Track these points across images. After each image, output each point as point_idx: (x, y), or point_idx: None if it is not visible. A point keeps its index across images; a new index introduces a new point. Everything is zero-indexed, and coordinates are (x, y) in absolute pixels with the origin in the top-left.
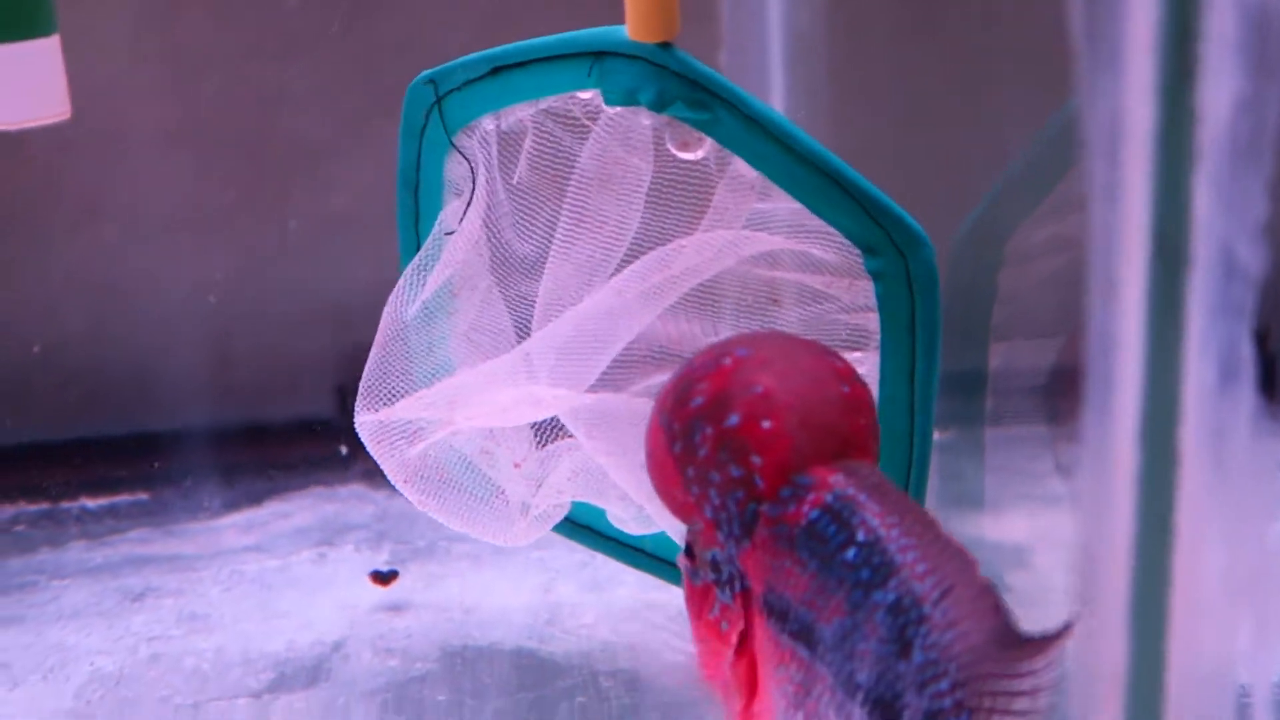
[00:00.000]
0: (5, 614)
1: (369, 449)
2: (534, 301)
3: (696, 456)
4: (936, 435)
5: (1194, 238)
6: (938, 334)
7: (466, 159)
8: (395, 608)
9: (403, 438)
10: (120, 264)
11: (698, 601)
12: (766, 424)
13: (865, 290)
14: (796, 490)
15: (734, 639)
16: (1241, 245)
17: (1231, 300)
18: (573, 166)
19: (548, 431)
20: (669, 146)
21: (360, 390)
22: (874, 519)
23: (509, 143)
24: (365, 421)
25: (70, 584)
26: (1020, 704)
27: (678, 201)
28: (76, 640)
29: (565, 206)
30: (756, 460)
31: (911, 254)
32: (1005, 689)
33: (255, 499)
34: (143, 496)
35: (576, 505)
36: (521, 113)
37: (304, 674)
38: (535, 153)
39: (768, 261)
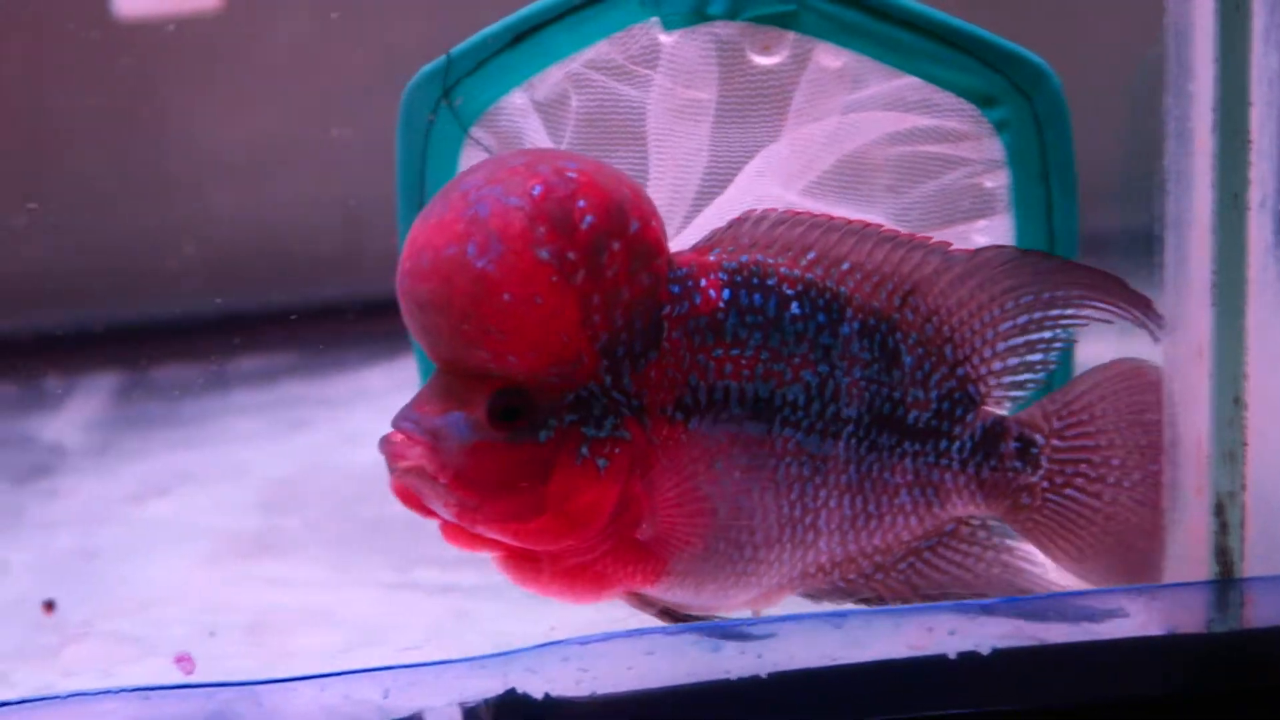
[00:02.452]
0: (188, 441)
1: None
2: None
3: (605, 278)
4: None
5: None
6: (1073, 173)
7: (486, 149)
8: None
9: None
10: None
11: (536, 460)
12: (654, 223)
13: (990, 148)
14: (683, 282)
15: (633, 464)
16: None
17: None
18: (630, 115)
19: None
20: (749, 54)
21: None
22: (791, 270)
23: (547, 112)
24: None
25: (240, 419)
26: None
27: (756, 115)
28: (250, 456)
29: (627, 157)
30: (658, 261)
31: (1036, 92)
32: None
33: (392, 356)
34: (293, 357)
35: None
36: (554, 77)
37: None
38: (585, 112)
39: (883, 142)
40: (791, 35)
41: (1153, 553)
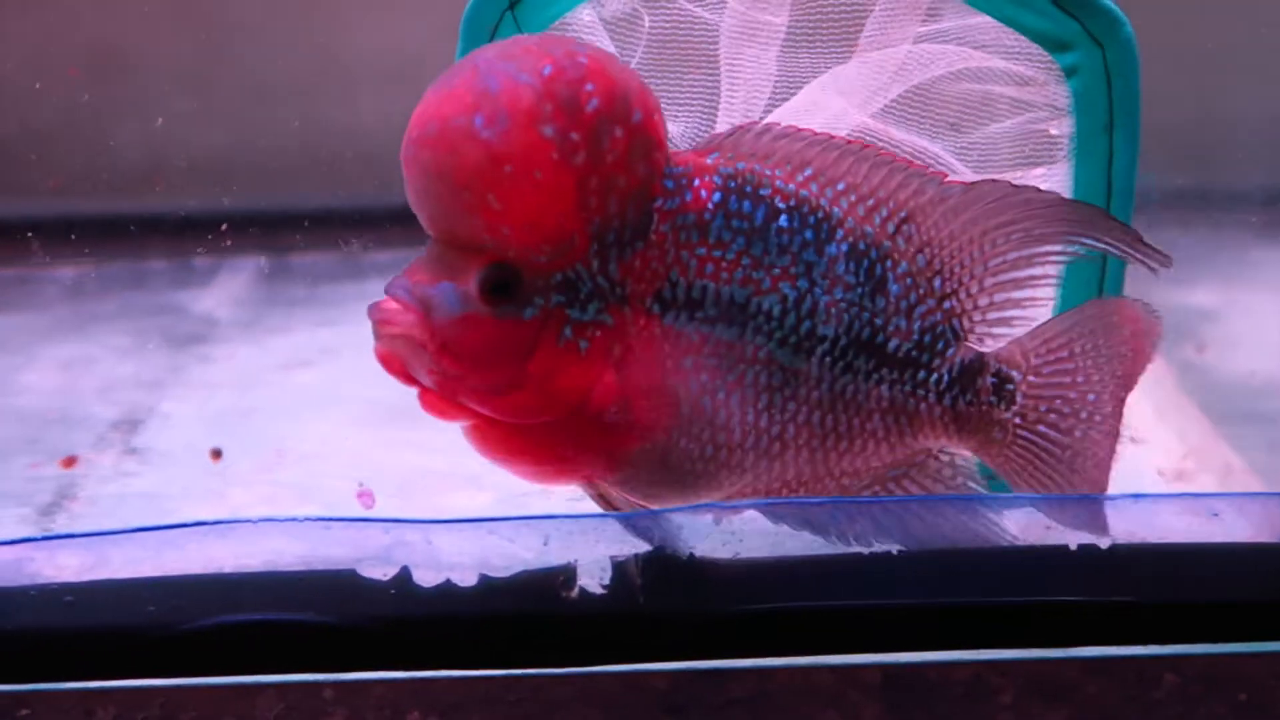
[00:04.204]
0: (328, 320)
1: None
2: None
3: (604, 163)
4: None
5: None
6: (1138, 126)
7: None
8: None
9: None
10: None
11: (521, 336)
12: (657, 117)
13: (1056, 95)
14: (678, 180)
15: (612, 349)
16: None
17: None
18: (703, 37)
19: None
20: None
21: None
22: (785, 184)
23: (616, 30)
24: None
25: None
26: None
27: (827, 39)
28: None
29: (699, 80)
30: (657, 155)
31: (1109, 40)
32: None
33: None
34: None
35: None
36: None
37: None
38: (657, 31)
39: (950, 78)
40: None
41: (1102, 480)
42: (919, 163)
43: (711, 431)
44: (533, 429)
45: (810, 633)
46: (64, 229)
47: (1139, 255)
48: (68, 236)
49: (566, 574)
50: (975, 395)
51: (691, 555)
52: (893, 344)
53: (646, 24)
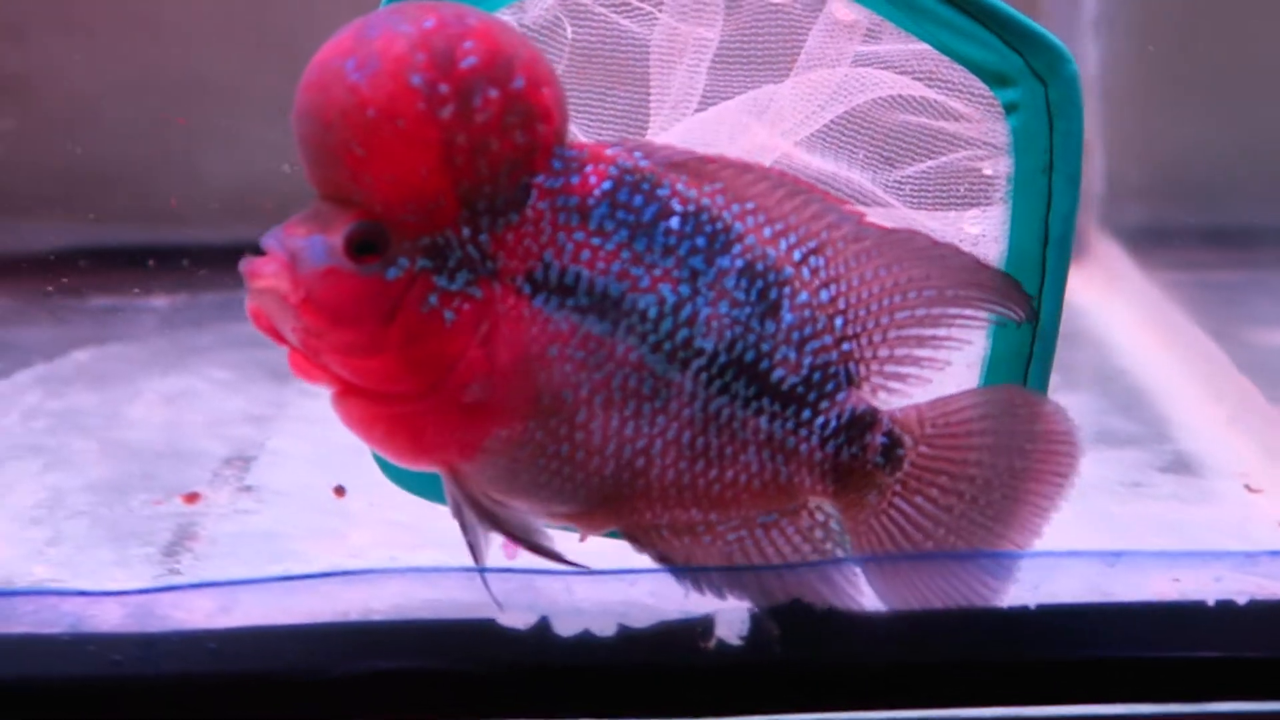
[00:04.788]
0: None
1: None
2: None
3: (473, 122)
4: None
5: None
6: (1079, 169)
7: None
8: None
9: None
10: None
11: (382, 296)
12: (546, 90)
13: (995, 132)
14: (568, 163)
15: (478, 325)
16: None
17: None
18: (631, 52)
19: None
20: None
21: None
22: (688, 190)
23: (537, 37)
24: None
25: None
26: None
27: (761, 57)
28: None
29: (625, 96)
30: (540, 128)
31: (1053, 77)
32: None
33: None
34: None
35: None
36: (546, 2)
37: None
38: (582, 44)
39: (885, 105)
40: None
41: (966, 588)
42: (841, 198)
43: (570, 429)
44: (392, 400)
45: (944, 685)
46: (157, 258)
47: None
48: (163, 265)
49: (704, 625)
50: (862, 450)
51: (829, 608)
52: (778, 374)
53: (569, 34)
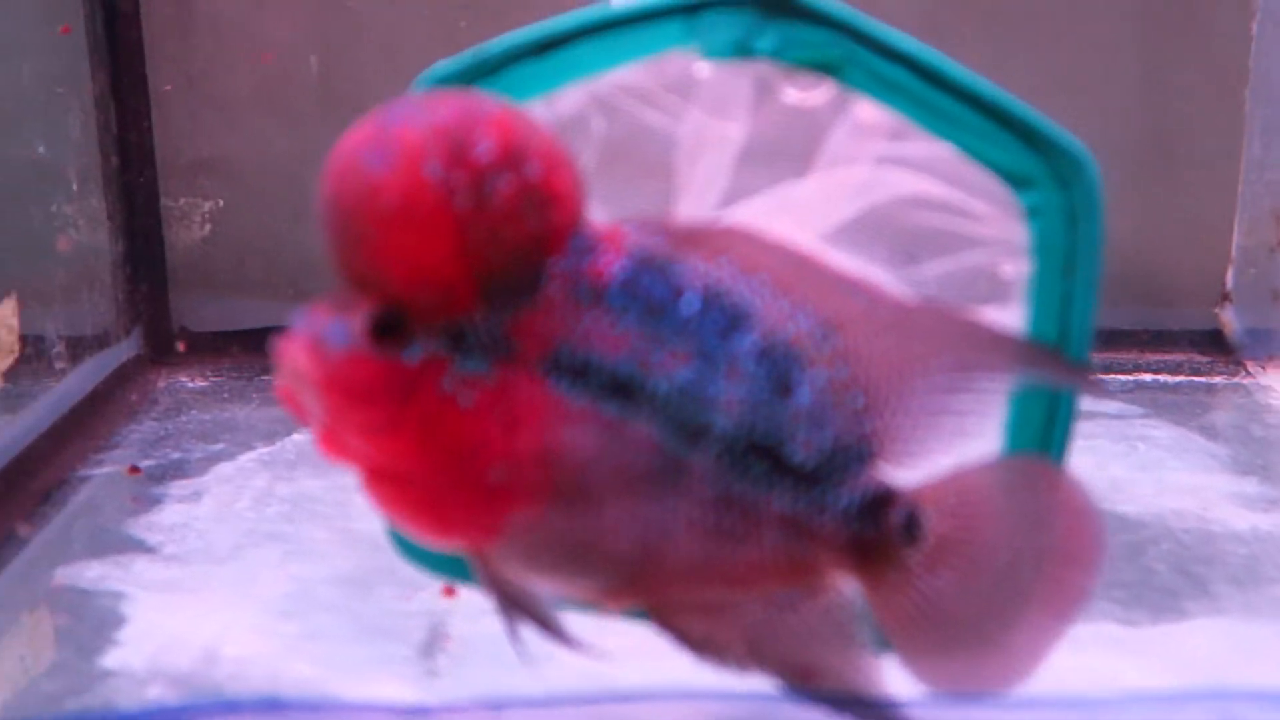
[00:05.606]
0: None
1: None
2: None
3: (488, 209)
4: None
5: None
6: (1098, 272)
7: None
8: None
9: None
10: None
11: (401, 379)
12: (561, 175)
13: (1015, 233)
14: (584, 247)
15: (496, 408)
16: None
17: None
18: (657, 145)
19: None
20: (786, 94)
21: None
22: (705, 269)
23: (567, 130)
24: None
25: None
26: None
27: (785, 154)
28: None
29: (651, 187)
30: (556, 213)
31: (1074, 184)
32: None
33: None
34: None
35: None
36: (578, 95)
37: None
38: (608, 138)
39: (907, 205)
40: (832, 81)
41: (999, 672)
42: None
43: (587, 510)
44: (416, 482)
45: None
46: None
47: (1085, 388)
48: None
49: None
50: (882, 528)
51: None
52: (796, 454)
53: (596, 128)
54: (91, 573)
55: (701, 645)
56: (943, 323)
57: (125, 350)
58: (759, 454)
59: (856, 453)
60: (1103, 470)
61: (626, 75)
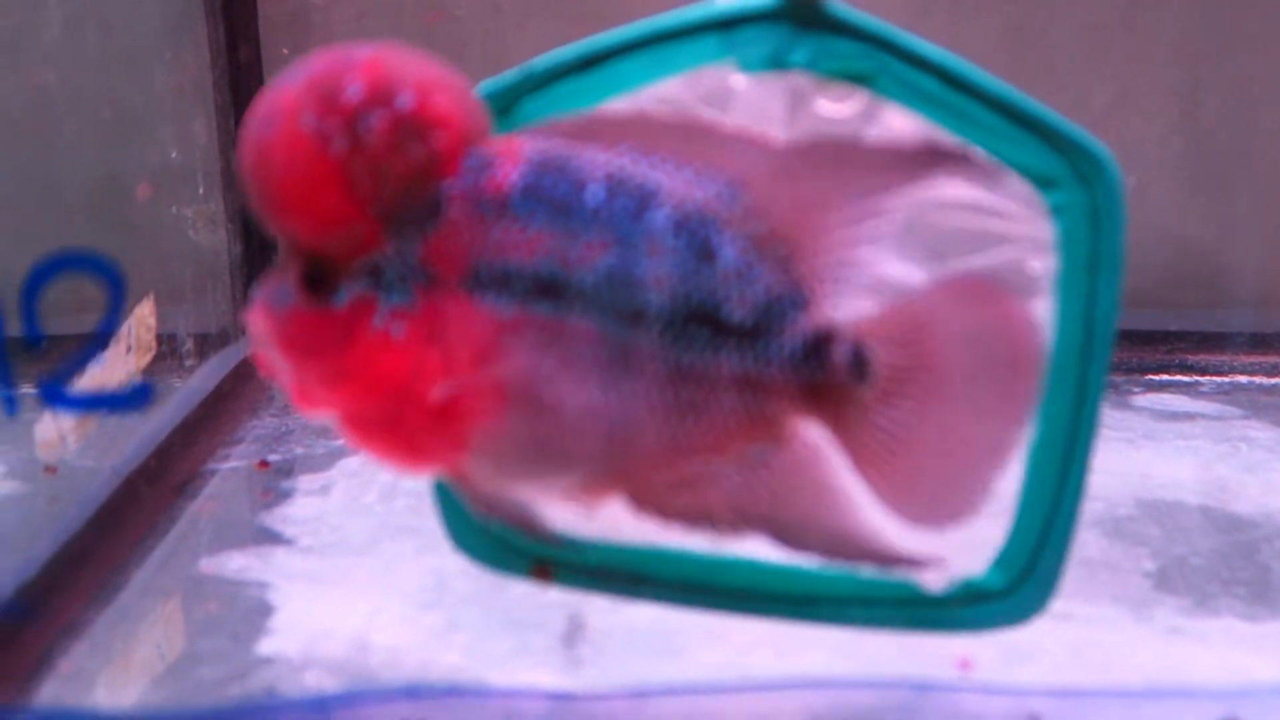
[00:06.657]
0: None
1: None
2: None
3: (366, 150)
4: None
5: None
6: (1121, 267)
7: None
8: None
9: None
10: None
11: (336, 325)
12: (438, 99)
13: (1040, 230)
14: (480, 164)
15: (427, 332)
16: None
17: None
18: None
19: None
20: (820, 105)
21: None
22: (603, 158)
23: None
24: None
25: None
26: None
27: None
28: None
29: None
30: (438, 137)
31: (1097, 183)
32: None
33: None
34: None
35: None
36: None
37: None
38: None
39: (939, 206)
40: (864, 91)
41: (977, 491)
42: (744, 128)
43: (544, 410)
44: (381, 417)
45: None
46: None
47: (984, 176)
48: None
49: None
50: (829, 367)
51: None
52: (734, 313)
53: None
54: (234, 564)
55: (690, 519)
56: (838, 154)
57: (244, 348)
58: (698, 321)
59: (791, 300)
60: (1208, 471)
61: (666, 88)
